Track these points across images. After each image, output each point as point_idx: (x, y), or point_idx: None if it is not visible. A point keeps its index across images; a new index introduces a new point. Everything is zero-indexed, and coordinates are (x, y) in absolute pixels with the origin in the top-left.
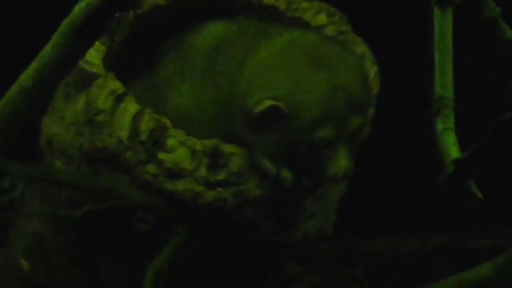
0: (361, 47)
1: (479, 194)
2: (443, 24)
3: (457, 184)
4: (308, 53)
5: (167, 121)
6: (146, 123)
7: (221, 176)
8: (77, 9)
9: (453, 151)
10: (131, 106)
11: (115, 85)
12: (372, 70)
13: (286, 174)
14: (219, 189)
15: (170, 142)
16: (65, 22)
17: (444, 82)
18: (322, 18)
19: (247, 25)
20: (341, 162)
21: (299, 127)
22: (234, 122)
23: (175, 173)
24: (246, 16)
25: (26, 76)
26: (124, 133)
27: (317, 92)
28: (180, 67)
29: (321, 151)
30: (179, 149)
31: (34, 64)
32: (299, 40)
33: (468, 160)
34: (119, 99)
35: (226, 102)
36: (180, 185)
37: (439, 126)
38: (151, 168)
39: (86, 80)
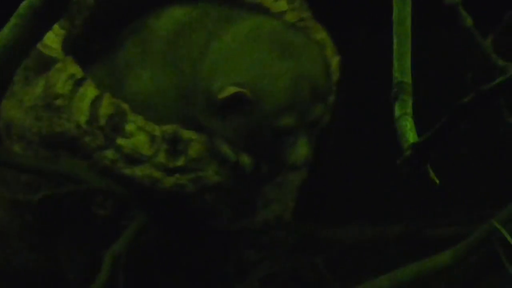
0: (321, 34)
1: (436, 179)
2: (402, 9)
3: (414, 169)
4: (272, 40)
5: (126, 106)
6: (105, 108)
7: (180, 162)
8: None
9: (411, 136)
10: (90, 91)
11: (74, 69)
12: (333, 58)
13: (245, 160)
14: (178, 175)
15: (129, 127)
16: (24, 4)
17: (402, 67)
18: (282, 4)
19: (209, 10)
20: (301, 150)
21: (262, 114)
22: (195, 107)
23: (133, 159)
24: (208, 1)
25: None
26: (82, 118)
27: (282, 80)
28: (140, 52)
29: (282, 139)
30: (137, 135)
31: None
32: (263, 27)
33: (425, 145)
34: (78, 83)
35: (187, 87)
36: (139, 171)
37: (397, 111)
38: (109, 153)
39: (45, 64)
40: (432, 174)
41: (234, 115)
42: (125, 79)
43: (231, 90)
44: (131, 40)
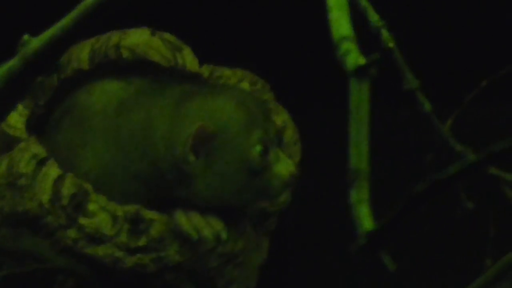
0: (283, 116)
1: (392, 265)
2: (359, 96)
3: (369, 255)
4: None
5: (88, 186)
6: (68, 188)
7: (142, 242)
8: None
9: (367, 223)
10: (52, 170)
11: (37, 149)
12: (293, 138)
13: (208, 234)
14: (139, 255)
15: (91, 207)
16: None
17: (359, 154)
18: (244, 86)
19: (143, 85)
20: (284, 162)
21: (232, 138)
22: (154, 183)
23: (95, 238)
24: (142, 77)
25: None
26: (45, 197)
27: (229, 106)
28: (78, 131)
29: (264, 159)
30: (100, 214)
31: None
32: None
33: (380, 232)
34: (41, 163)
35: (134, 166)
36: (101, 250)
37: (353, 197)
38: (72, 233)
39: (8, 144)
40: (387, 260)
41: (212, 158)
42: (72, 162)
43: (194, 127)
44: (66, 121)
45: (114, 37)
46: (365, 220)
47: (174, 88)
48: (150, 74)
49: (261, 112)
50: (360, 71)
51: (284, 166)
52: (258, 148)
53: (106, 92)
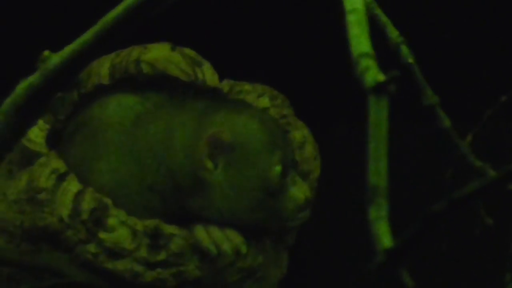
0: (302, 131)
1: (411, 283)
2: (378, 113)
3: (387, 274)
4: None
5: (108, 201)
6: (88, 202)
7: (161, 256)
8: (19, 88)
9: (386, 240)
10: (73, 185)
11: (58, 164)
12: (313, 154)
13: (227, 249)
14: (159, 269)
15: (111, 221)
16: (7, 101)
17: (377, 170)
18: (264, 101)
19: (161, 100)
20: (300, 187)
21: (254, 154)
22: (169, 194)
23: (115, 253)
24: (159, 92)
25: None
26: (65, 212)
27: (252, 122)
28: (92, 145)
29: (282, 182)
30: (119, 229)
31: None
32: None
33: (399, 250)
34: (61, 178)
35: (152, 178)
36: (120, 265)
37: (372, 214)
38: (91, 247)
39: (29, 158)
40: (406, 278)
41: (231, 171)
42: (86, 176)
43: (208, 135)
44: (80, 135)
45: (134, 52)
46: (384, 237)
47: (196, 103)
48: (167, 89)
49: (281, 134)
50: (379, 88)
51: (300, 191)
52: (278, 168)
53: (122, 106)
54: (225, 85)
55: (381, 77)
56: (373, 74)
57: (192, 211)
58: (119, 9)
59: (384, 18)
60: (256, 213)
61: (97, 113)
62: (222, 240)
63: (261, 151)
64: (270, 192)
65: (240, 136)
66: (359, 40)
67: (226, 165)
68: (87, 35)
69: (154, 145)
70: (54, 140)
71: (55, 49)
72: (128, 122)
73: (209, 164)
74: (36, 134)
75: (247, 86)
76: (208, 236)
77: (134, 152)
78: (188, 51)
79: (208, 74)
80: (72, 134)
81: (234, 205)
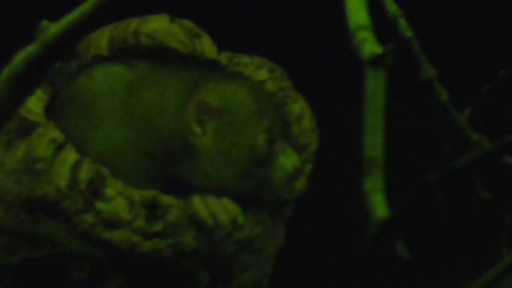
0: (300, 104)
1: (405, 253)
2: (374, 85)
3: (382, 244)
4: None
5: (106, 171)
6: (85, 173)
7: (158, 227)
8: (18, 57)
9: (381, 210)
10: (70, 155)
11: (55, 134)
12: (310, 126)
13: (225, 219)
14: (156, 240)
15: (109, 192)
16: (6, 71)
17: (374, 142)
18: (263, 74)
19: (153, 68)
20: (289, 156)
21: (241, 120)
22: (163, 160)
23: (112, 223)
24: (147, 61)
25: None
26: (63, 182)
27: (240, 92)
28: (86, 116)
29: (270, 150)
30: (117, 199)
31: None
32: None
33: (395, 220)
34: (59, 148)
35: (147, 143)
36: (118, 235)
37: (368, 185)
38: (89, 217)
39: (27, 128)
40: (401, 249)
41: (219, 138)
42: (81, 145)
43: (194, 102)
44: (70, 108)
45: (133, 23)
46: (380, 208)
47: (189, 72)
48: (156, 59)
49: (271, 105)
50: (376, 60)
51: (289, 159)
52: (264, 136)
53: (111, 74)
54: (224, 57)
55: (378, 50)
56: (370, 47)
57: (183, 178)
58: None
59: None
60: (244, 181)
61: (85, 84)
62: (219, 211)
63: (247, 118)
64: (257, 160)
65: (228, 102)
66: (357, 13)
67: (215, 132)
68: (86, 5)
69: (147, 110)
70: (53, 108)
71: (53, 18)
72: (120, 88)
73: (197, 129)
74: (35, 104)
75: (245, 59)
76: (205, 207)
77: (128, 118)
78: (187, 23)
79: (206, 46)
80: (61, 108)
81: (221, 171)
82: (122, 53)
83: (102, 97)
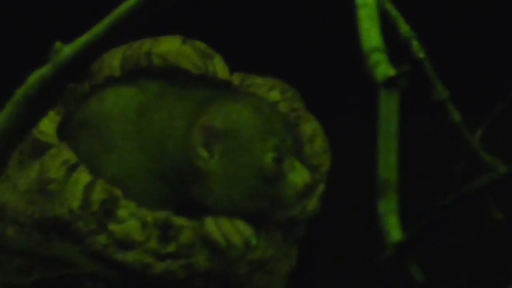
0: (313, 125)
1: (420, 276)
2: (388, 107)
3: (397, 267)
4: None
5: (118, 192)
6: (98, 194)
7: (171, 248)
8: (31, 79)
9: (395, 233)
10: (83, 176)
11: (68, 155)
12: (323, 147)
13: (237, 241)
14: (169, 261)
15: (121, 213)
16: (19, 92)
17: (388, 164)
18: (275, 95)
19: (162, 89)
20: (299, 172)
21: (247, 141)
22: (175, 184)
23: (125, 244)
24: (155, 82)
25: None
26: (76, 203)
27: (245, 112)
28: (99, 139)
29: (279, 168)
30: (130, 220)
31: None
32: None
33: (409, 243)
34: (72, 169)
35: (159, 167)
36: (130, 256)
37: (382, 207)
38: (102, 238)
39: (40, 149)
40: (415, 271)
41: (226, 160)
42: (95, 168)
43: (200, 125)
44: (84, 132)
45: (145, 44)
46: (394, 230)
47: (198, 92)
48: (164, 79)
49: (279, 121)
50: (389, 83)
51: (299, 176)
52: (271, 154)
53: (121, 97)
54: (236, 78)
55: (392, 72)
56: (383, 69)
57: (195, 200)
58: (131, 1)
59: (395, 13)
60: (255, 201)
61: (96, 108)
62: (232, 232)
63: (253, 138)
64: (266, 180)
65: (233, 123)
66: (370, 35)
67: (221, 154)
68: (99, 27)
69: (157, 134)
70: (65, 131)
71: (67, 40)
72: (131, 111)
73: (204, 153)
74: (47, 125)
75: (258, 80)
76: (218, 228)
77: (140, 142)
78: (199, 44)
79: (219, 67)
80: (74, 131)
81: (231, 193)
82: (133, 74)
83: (114, 120)
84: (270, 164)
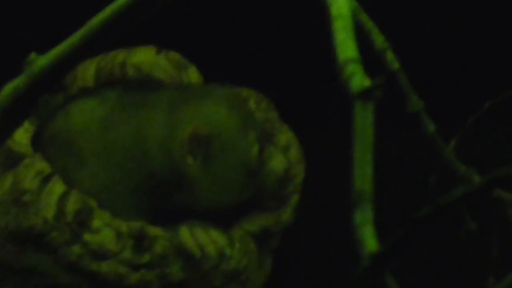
0: (287, 135)
1: (395, 287)
2: (363, 118)
3: (372, 278)
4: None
5: (93, 202)
6: (73, 204)
7: (146, 258)
8: (5, 90)
9: (370, 244)
10: (57, 187)
11: (42, 165)
12: (297, 157)
13: (211, 250)
14: (143, 271)
15: (96, 223)
16: None
17: (363, 175)
18: (250, 105)
19: (121, 98)
20: (277, 160)
21: (231, 140)
22: (155, 193)
23: (100, 254)
24: (115, 90)
25: None
26: (50, 213)
27: (222, 111)
28: (69, 157)
29: (261, 154)
30: (104, 231)
31: None
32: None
33: (384, 254)
34: (46, 179)
35: (135, 179)
36: (105, 266)
37: (357, 218)
38: (76, 249)
39: (14, 160)
40: (391, 282)
41: (211, 163)
42: (71, 184)
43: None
44: (53, 149)
45: (119, 55)
46: (369, 241)
47: (157, 95)
48: (121, 84)
49: (248, 110)
50: (365, 94)
51: (278, 162)
52: (256, 147)
53: (83, 112)
54: None
55: (367, 83)
56: (359, 80)
57: (179, 206)
58: (106, 12)
59: (369, 24)
60: (240, 195)
61: (62, 124)
62: (207, 242)
63: (236, 136)
64: (251, 173)
65: (214, 126)
66: (345, 46)
67: (206, 158)
68: (74, 38)
69: (128, 147)
70: (39, 142)
71: (41, 51)
72: (95, 127)
73: (190, 160)
74: (21, 136)
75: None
76: (193, 238)
77: (110, 157)
78: (174, 54)
79: (193, 77)
80: (45, 147)
81: (218, 193)
82: (100, 85)
83: (80, 137)
84: (255, 157)
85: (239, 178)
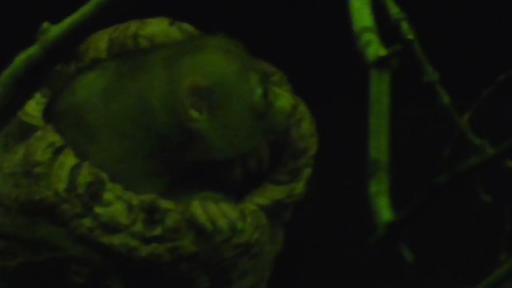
0: (300, 108)
1: (410, 257)
2: (379, 87)
3: (387, 247)
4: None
5: (104, 175)
6: (84, 177)
7: (157, 231)
8: (18, 60)
9: (385, 214)
10: (69, 159)
11: (54, 137)
12: (310, 130)
13: (223, 224)
14: (154, 244)
15: (107, 196)
16: (6, 73)
17: (378, 145)
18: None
19: (118, 67)
20: (283, 99)
21: (232, 87)
22: (169, 155)
23: (111, 227)
24: (114, 59)
25: None
26: (61, 186)
27: (219, 60)
28: (79, 130)
29: (264, 98)
30: (115, 204)
31: None
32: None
33: (400, 224)
34: (58, 151)
35: (146, 146)
36: (116, 239)
37: (373, 188)
38: (87, 222)
39: (25, 132)
40: (405, 251)
41: (217, 112)
42: (86, 156)
43: (185, 90)
44: (63, 123)
45: (132, 26)
46: (384, 211)
47: (150, 56)
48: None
49: (246, 54)
50: (381, 62)
51: (284, 100)
52: (259, 90)
53: (85, 86)
54: None
55: (383, 51)
56: (375, 48)
57: (197, 160)
58: None
59: None
60: (253, 138)
61: (69, 100)
62: (218, 215)
63: (237, 81)
64: (259, 115)
65: (214, 75)
66: (361, 15)
67: (213, 109)
68: (87, 7)
69: (133, 115)
70: (50, 117)
71: (54, 20)
72: (97, 99)
73: (195, 114)
74: (33, 108)
75: None
76: (204, 211)
77: (118, 127)
78: (187, 26)
79: None
80: (56, 123)
81: (230, 141)
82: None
83: (86, 111)
84: (260, 100)
85: (248, 123)
